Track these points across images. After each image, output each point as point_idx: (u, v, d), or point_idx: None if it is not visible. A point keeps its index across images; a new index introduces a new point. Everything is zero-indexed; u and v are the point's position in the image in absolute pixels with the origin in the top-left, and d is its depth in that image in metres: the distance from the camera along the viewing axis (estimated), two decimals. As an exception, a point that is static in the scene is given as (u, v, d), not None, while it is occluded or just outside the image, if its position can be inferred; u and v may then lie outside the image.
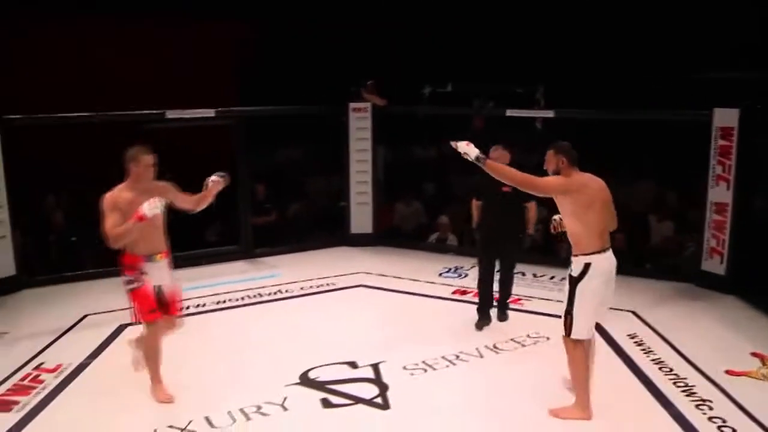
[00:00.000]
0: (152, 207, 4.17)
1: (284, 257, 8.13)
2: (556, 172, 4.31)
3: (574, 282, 4.26)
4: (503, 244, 5.99)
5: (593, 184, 4.33)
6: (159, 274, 4.52)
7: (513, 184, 4.38)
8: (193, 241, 8.17)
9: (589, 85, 8.47)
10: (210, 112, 7.69)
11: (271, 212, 8.71)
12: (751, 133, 6.73)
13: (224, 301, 6.60)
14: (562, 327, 4.36)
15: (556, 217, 4.56)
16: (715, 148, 6.92)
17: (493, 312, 6.04)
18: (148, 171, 4.43)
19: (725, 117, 6.84)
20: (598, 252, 4.23)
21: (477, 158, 4.27)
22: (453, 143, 4.39)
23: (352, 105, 8.39)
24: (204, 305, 6.48)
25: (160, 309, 4.54)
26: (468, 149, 4.31)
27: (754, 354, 5.42)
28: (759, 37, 7.60)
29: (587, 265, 4.22)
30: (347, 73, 8.66)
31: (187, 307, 6.37)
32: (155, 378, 4.64)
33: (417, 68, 9.47)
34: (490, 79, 8.78)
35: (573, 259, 4.29)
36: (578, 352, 4.35)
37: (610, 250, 4.33)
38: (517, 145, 9.11)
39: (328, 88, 8.51)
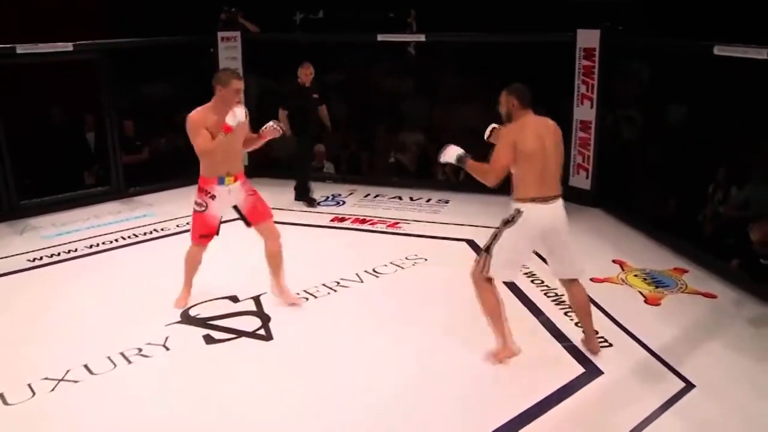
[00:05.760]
0: (236, 116, 4.29)
1: (159, 195, 7.90)
2: (509, 114, 4.06)
3: (502, 224, 4.07)
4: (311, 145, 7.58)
5: (539, 128, 4.02)
6: (229, 197, 4.64)
7: (487, 178, 4.03)
8: (72, 184, 7.83)
9: (460, 9, 8.51)
10: (68, 46, 7.20)
11: (142, 149, 8.40)
12: (612, 53, 7.02)
13: (97, 245, 6.35)
14: (474, 264, 4.18)
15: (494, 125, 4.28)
16: (579, 68, 7.18)
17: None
18: (235, 95, 4.43)
19: (587, 38, 7.08)
20: (533, 201, 3.98)
21: (459, 159, 4.10)
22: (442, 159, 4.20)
23: (221, 34, 8.10)
24: (76, 250, 6.23)
25: (216, 233, 4.75)
26: (449, 155, 4.13)
27: (615, 261, 5.81)
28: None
29: (518, 212, 4.00)
30: (212, 2, 8.31)
31: (58, 254, 6.13)
32: (186, 285, 4.96)
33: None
34: (361, 4, 8.68)
35: (511, 201, 4.08)
36: (487, 291, 4.15)
37: (555, 202, 4.03)
38: (391, 72, 9.18)
39: (195, 17, 8.17)
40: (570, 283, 4.32)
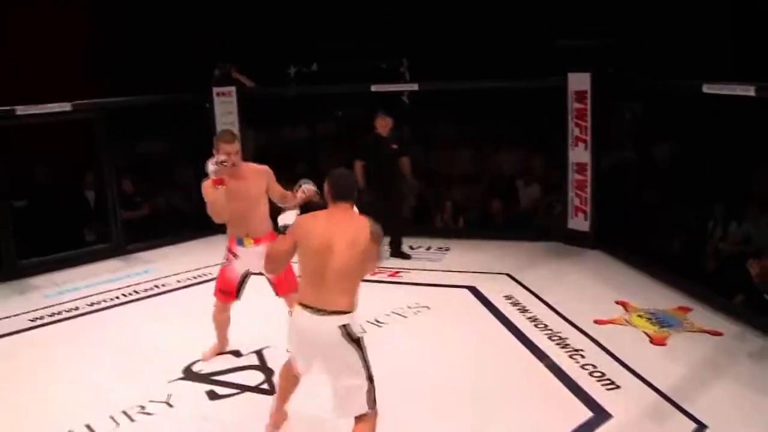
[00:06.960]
0: (211, 169, 4.36)
1: (159, 251, 7.87)
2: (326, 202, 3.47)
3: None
4: (391, 197, 7.07)
5: (333, 226, 3.32)
6: (252, 259, 4.59)
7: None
8: (73, 242, 7.79)
9: (451, 57, 8.63)
10: (66, 106, 7.28)
11: (142, 206, 8.42)
12: (604, 95, 7.10)
13: (98, 303, 6.32)
14: None
15: None
16: (571, 111, 7.26)
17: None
18: (227, 158, 4.44)
19: (578, 81, 7.17)
20: (300, 305, 3.37)
21: (284, 227, 3.53)
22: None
23: (216, 90, 8.20)
24: (77, 309, 6.19)
25: (238, 294, 4.79)
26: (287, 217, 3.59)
27: (617, 302, 5.78)
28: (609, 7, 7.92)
29: (293, 312, 3.48)
30: (207, 57, 8.43)
31: (59, 313, 6.10)
32: (217, 340, 5.03)
33: (280, 48, 9.36)
34: (353, 56, 8.81)
35: None
36: (284, 369, 3.86)
37: (323, 317, 3.29)
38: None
39: (190, 74, 8.27)
40: (355, 424, 3.44)
